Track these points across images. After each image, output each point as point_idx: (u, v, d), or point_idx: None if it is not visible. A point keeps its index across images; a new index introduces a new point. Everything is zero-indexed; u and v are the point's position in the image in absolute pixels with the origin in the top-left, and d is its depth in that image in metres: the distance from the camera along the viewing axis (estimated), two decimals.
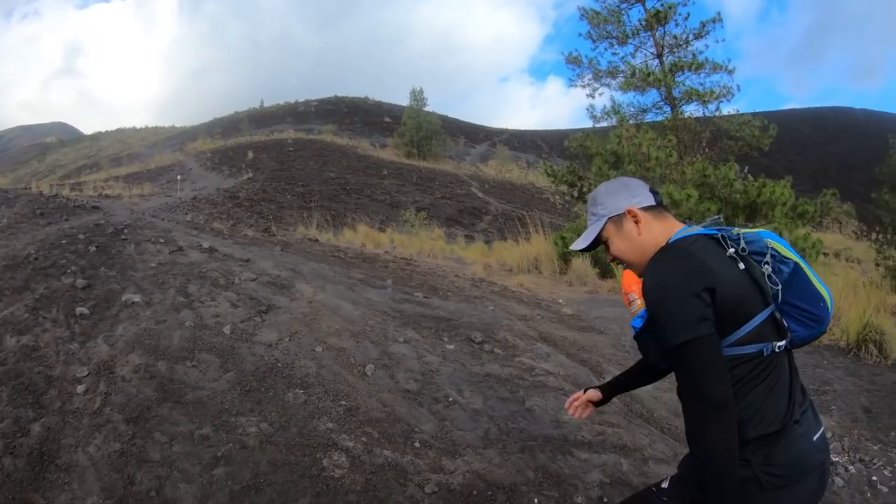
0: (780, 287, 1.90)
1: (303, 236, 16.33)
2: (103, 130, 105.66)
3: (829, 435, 5.07)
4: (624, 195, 2.10)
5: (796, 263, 1.92)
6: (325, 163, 37.65)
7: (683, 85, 19.69)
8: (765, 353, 1.82)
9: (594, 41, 21.45)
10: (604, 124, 20.87)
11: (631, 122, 20.55)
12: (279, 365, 5.35)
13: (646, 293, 1.89)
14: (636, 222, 2.05)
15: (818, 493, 1.87)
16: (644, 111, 20.92)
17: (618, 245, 2.10)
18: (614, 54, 21.52)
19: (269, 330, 6.20)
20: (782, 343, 1.86)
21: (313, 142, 45.18)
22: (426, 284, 10.25)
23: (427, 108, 51.01)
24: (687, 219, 2.93)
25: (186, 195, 25.36)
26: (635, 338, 2.14)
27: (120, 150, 64.73)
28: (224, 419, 4.50)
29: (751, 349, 1.81)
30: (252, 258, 9.47)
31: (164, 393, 4.74)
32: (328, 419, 4.61)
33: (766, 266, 1.90)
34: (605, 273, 13.82)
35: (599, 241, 2.17)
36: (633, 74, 20.08)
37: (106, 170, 44.21)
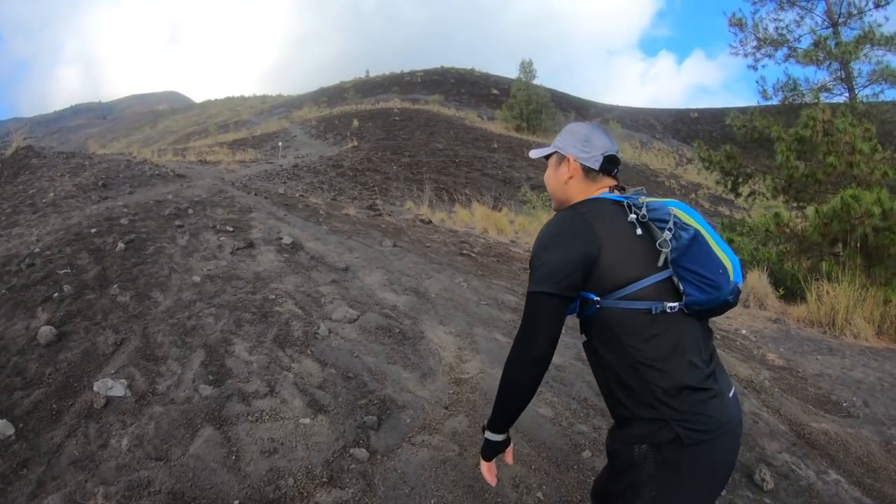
0: (669, 251, 1.77)
1: (414, 216, 12.93)
2: (213, 99, 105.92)
3: None
4: (578, 144, 2.01)
5: (696, 230, 1.79)
6: (433, 133, 33.72)
7: (869, 61, 15.11)
8: (654, 312, 1.73)
9: (756, 2, 16.88)
10: (760, 102, 16.51)
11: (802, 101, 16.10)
12: None
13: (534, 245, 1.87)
14: (569, 174, 1.99)
15: (736, 447, 1.84)
16: (819, 90, 16.31)
17: (549, 175, 2.09)
18: (776, 20, 16.90)
19: None
20: (674, 305, 1.75)
21: (420, 112, 41.01)
22: None
23: (536, 81, 46.71)
24: (616, 188, 2.07)
25: (288, 162, 22.32)
26: None
27: (228, 117, 62.32)
28: None
29: (639, 305, 1.73)
30: (353, 264, 6.06)
31: None
32: None
33: (667, 232, 1.78)
34: (792, 294, 9.75)
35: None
36: (816, 44, 15.49)
37: (213, 136, 41.97)
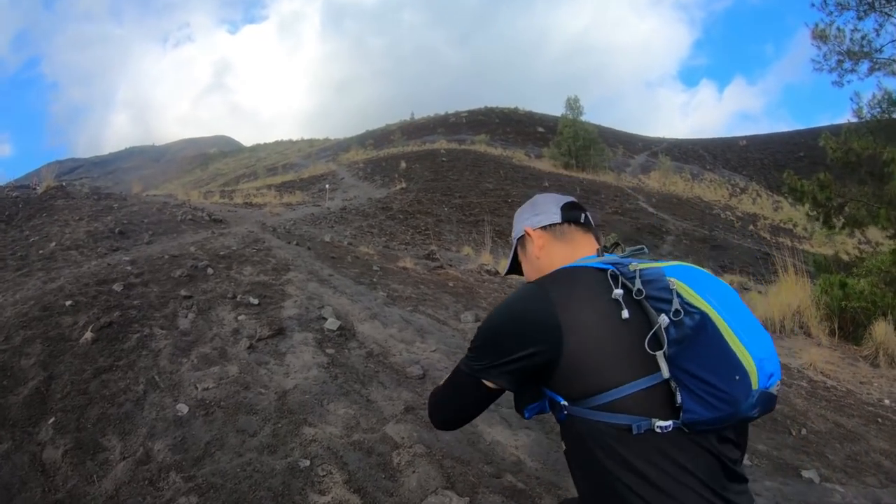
0: (665, 348, 1.20)
1: (478, 266, 10.82)
2: (262, 143, 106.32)
3: None
4: (527, 215, 1.66)
5: (704, 315, 1.20)
6: (482, 173, 31.69)
7: None
8: (635, 431, 1.19)
9: (832, 12, 14.66)
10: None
11: None
12: None
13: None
14: (537, 245, 1.58)
15: None
16: None
17: (525, 268, 1.66)
18: (855, 30, 14.65)
19: None
20: (667, 424, 1.18)
21: (467, 152, 38.91)
22: None
23: (583, 117, 44.65)
24: (612, 245, 1.49)
25: (336, 205, 20.55)
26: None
27: (277, 160, 60.67)
28: None
29: (617, 419, 1.20)
30: (430, 365, 3.93)
31: None
32: None
33: (664, 317, 1.21)
34: None
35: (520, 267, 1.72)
36: None
37: (262, 178, 40.42)
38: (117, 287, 5.01)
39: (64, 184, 14.33)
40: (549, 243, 1.54)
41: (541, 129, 53.86)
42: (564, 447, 1.36)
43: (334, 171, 35.38)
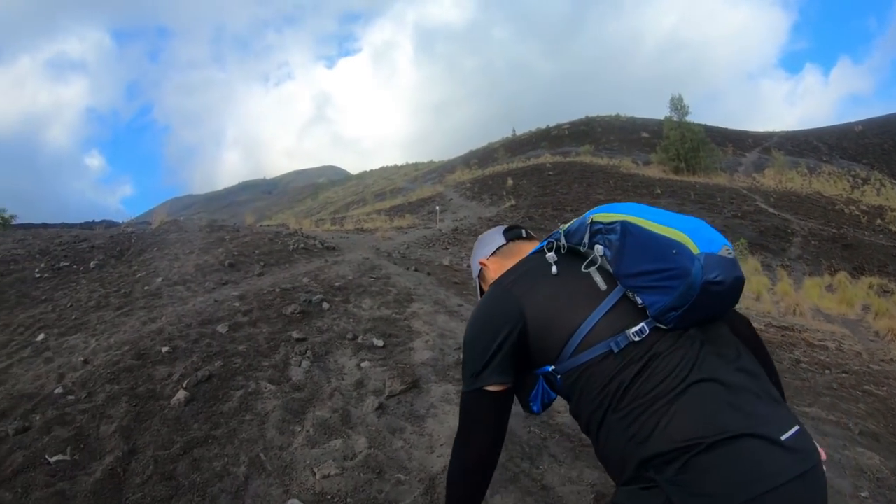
0: (596, 266, 1.37)
1: None
2: (368, 170, 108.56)
3: None
4: (478, 252, 1.78)
5: (623, 222, 1.33)
6: (590, 185, 30.10)
7: None
8: (616, 350, 1.25)
9: None
10: None
11: None
12: None
13: None
14: (491, 270, 1.67)
15: None
16: None
17: None
18: None
19: None
20: (640, 327, 1.25)
21: (573, 164, 37.16)
22: None
23: (687, 117, 41.45)
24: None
25: (447, 226, 20.09)
26: None
27: (384, 186, 61.12)
28: None
29: (597, 350, 1.26)
30: None
31: None
32: None
33: (599, 247, 1.38)
34: None
35: None
36: None
37: (371, 204, 40.75)
38: (222, 328, 4.33)
39: (181, 218, 14.34)
40: (501, 263, 1.61)
41: (646, 134, 51.82)
42: (571, 410, 1.34)
43: (442, 193, 35.00)
